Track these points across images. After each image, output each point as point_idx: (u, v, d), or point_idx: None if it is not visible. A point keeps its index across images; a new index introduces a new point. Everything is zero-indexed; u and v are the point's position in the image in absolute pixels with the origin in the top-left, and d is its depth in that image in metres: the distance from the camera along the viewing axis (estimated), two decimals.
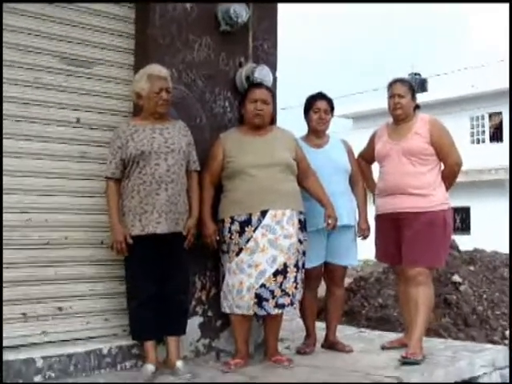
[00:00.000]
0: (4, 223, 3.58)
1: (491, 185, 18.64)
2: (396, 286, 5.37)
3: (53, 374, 3.55)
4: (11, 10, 3.64)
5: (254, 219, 3.88)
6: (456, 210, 17.49)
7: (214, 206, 4.03)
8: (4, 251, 3.57)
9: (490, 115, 19.94)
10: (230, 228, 3.93)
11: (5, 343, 3.49)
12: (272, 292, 3.86)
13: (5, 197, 3.60)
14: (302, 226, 4.04)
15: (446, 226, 4.19)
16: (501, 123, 19.75)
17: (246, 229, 3.87)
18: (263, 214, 3.88)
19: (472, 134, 20.21)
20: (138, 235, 3.63)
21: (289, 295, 3.91)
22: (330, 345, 4.50)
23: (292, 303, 3.96)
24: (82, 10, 3.90)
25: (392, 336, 4.86)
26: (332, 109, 4.50)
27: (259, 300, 3.86)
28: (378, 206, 4.41)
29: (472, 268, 7.08)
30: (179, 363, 3.70)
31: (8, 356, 3.43)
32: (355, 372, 3.84)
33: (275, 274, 3.86)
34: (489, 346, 4.86)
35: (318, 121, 4.44)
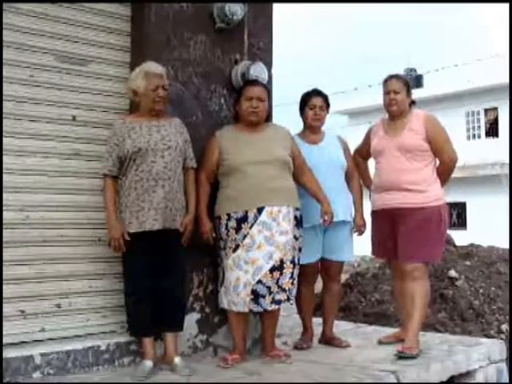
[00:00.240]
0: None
1: (487, 180, 18.67)
2: (392, 282, 5.39)
3: (51, 371, 3.57)
4: (6, 9, 3.65)
5: (251, 216, 3.90)
6: (452, 206, 17.54)
7: (210, 203, 4.06)
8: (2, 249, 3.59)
9: (486, 110, 19.96)
10: (226, 225, 3.95)
11: (4, 340, 3.51)
12: (269, 288, 3.88)
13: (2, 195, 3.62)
14: (298, 222, 4.07)
15: (442, 221, 4.22)
16: (496, 119, 19.77)
17: (243, 225, 3.89)
18: (259, 210, 3.90)
19: (468, 130, 20.22)
20: (135, 232, 3.65)
21: (285, 291, 3.93)
22: (327, 340, 4.52)
23: (288, 299, 3.99)
24: (77, 9, 3.91)
25: (389, 331, 4.88)
26: (327, 105, 4.52)
27: (256, 296, 3.88)
28: (374, 202, 4.44)
29: (468, 263, 7.10)
30: (177, 359, 3.72)
31: (7, 353, 3.45)
32: (352, 366, 3.87)
33: (272, 270, 3.88)
34: (485, 340, 4.88)
35: (314, 117, 4.46)
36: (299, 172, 4.17)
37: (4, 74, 3.65)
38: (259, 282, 3.87)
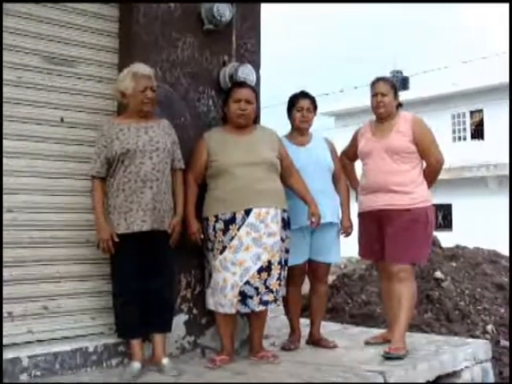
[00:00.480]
0: None
1: (472, 182, 18.80)
2: (379, 283, 5.42)
3: (38, 373, 3.56)
4: None
5: (239, 218, 3.90)
6: (438, 207, 17.62)
7: (198, 205, 4.06)
8: None
9: (471, 113, 20.11)
10: (214, 226, 3.95)
11: None
12: (256, 289, 3.89)
13: None
14: (286, 224, 4.08)
15: (429, 222, 4.25)
16: (482, 121, 19.92)
17: (231, 227, 3.90)
18: (247, 212, 3.91)
19: (453, 132, 20.36)
20: (123, 233, 3.65)
21: (272, 292, 3.94)
22: (315, 341, 4.54)
23: (276, 300, 3.99)
24: (66, 10, 3.91)
25: (376, 332, 4.90)
26: (315, 107, 4.54)
27: (243, 297, 3.89)
28: (361, 204, 4.46)
29: (454, 264, 7.15)
30: (165, 360, 3.73)
31: None
32: (340, 367, 3.88)
33: (259, 271, 3.89)
34: (471, 340, 4.91)
35: (301, 119, 4.48)
36: (287, 174, 4.18)
37: None
38: (247, 282, 3.88)
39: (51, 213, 3.83)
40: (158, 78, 3.95)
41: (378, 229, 4.31)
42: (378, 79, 4.38)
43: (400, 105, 4.39)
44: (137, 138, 3.70)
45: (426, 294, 6.42)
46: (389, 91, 4.29)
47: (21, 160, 3.74)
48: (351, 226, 4.55)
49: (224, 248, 3.90)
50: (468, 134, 20.29)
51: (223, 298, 3.91)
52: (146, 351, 3.80)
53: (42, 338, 3.76)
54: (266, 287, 3.91)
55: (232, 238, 3.88)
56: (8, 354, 3.49)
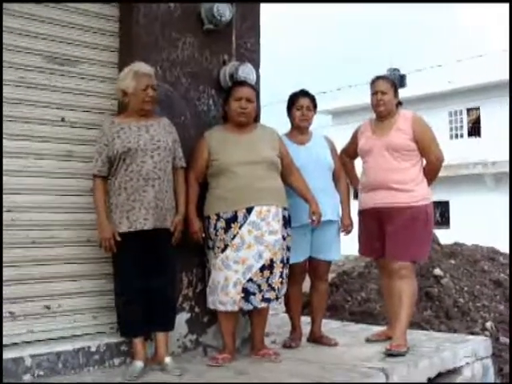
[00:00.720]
0: None
1: (469, 179, 18.84)
2: (379, 280, 5.44)
3: (41, 373, 3.56)
4: None
5: (240, 216, 3.91)
6: (435, 204, 17.61)
7: (199, 204, 4.07)
8: None
9: (468, 110, 20.15)
10: (215, 225, 3.96)
11: None
12: (259, 286, 3.91)
13: None
14: (287, 222, 4.09)
15: (429, 220, 4.27)
16: (478, 118, 19.96)
17: (232, 225, 3.91)
18: (249, 210, 3.92)
19: (450, 129, 20.39)
20: (125, 232, 3.65)
21: (274, 290, 3.96)
22: (316, 339, 4.55)
23: (277, 298, 4.02)
24: (66, 9, 3.90)
25: (376, 329, 4.92)
26: (315, 106, 4.55)
27: (246, 294, 3.90)
28: (361, 202, 4.47)
29: (453, 261, 7.18)
30: (168, 359, 3.73)
31: None
32: (341, 364, 3.90)
33: (262, 269, 3.91)
34: (471, 337, 4.94)
35: (301, 118, 4.49)
36: (287, 172, 4.19)
37: None
38: (250, 280, 3.89)
39: (52, 212, 3.83)
40: (158, 77, 3.96)
41: (378, 226, 4.33)
42: (378, 77, 4.40)
43: (400, 103, 4.41)
44: (138, 137, 3.71)
45: (425, 291, 6.44)
46: (389, 89, 4.31)
47: (22, 160, 3.74)
48: (351, 224, 4.56)
49: (226, 246, 3.91)
50: (465, 132, 20.32)
51: (225, 296, 3.92)
52: (148, 350, 3.81)
53: (44, 337, 3.77)
54: (269, 285, 3.93)
55: (234, 237, 3.89)
56: (10, 354, 3.49)
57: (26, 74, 3.76)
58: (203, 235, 4.01)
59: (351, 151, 4.65)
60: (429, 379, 4.06)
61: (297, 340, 4.49)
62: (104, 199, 3.71)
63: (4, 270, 3.63)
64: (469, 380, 4.38)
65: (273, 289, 3.95)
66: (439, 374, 4.16)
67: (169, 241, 3.78)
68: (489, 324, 6.01)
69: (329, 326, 5.05)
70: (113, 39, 4.10)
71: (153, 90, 3.75)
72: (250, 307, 3.96)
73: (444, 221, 19.49)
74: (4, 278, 3.63)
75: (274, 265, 3.93)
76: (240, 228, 3.90)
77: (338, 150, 4.69)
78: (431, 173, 4.34)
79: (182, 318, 4.11)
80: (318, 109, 4.71)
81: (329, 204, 4.40)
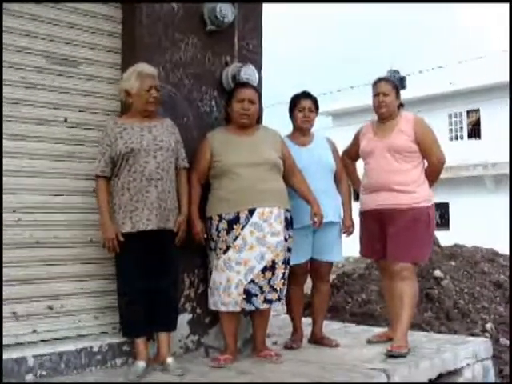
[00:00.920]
0: None
1: (469, 181, 18.87)
2: (380, 282, 5.45)
3: (44, 373, 3.57)
4: None
5: (242, 217, 3.92)
6: (435, 206, 17.67)
7: (201, 205, 4.08)
8: None
9: (468, 112, 20.18)
10: (217, 226, 3.97)
11: None
12: (261, 288, 3.92)
13: None
14: (289, 223, 4.10)
15: (430, 222, 4.28)
16: (478, 120, 19.99)
17: (234, 226, 3.92)
18: (251, 212, 3.93)
19: (450, 131, 20.43)
20: (128, 232, 3.66)
21: (276, 291, 3.98)
22: (317, 340, 4.56)
23: (279, 299, 4.03)
24: (69, 10, 3.92)
25: (377, 330, 4.93)
26: (317, 107, 4.57)
27: (248, 295, 3.91)
28: (363, 203, 4.49)
29: (453, 263, 7.19)
30: (170, 359, 3.74)
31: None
32: (343, 365, 3.91)
33: (263, 270, 3.92)
34: (471, 338, 4.95)
35: (303, 119, 4.50)
36: (289, 174, 4.21)
37: None
38: (251, 281, 3.90)
39: (56, 213, 3.84)
40: (161, 78, 3.97)
41: (380, 228, 4.34)
42: (380, 79, 4.42)
43: (401, 105, 4.42)
44: (141, 137, 3.72)
45: (425, 293, 6.45)
46: (390, 91, 4.32)
47: (25, 160, 3.75)
48: (353, 225, 4.58)
49: (228, 247, 3.92)
50: (465, 133, 20.36)
51: (227, 297, 3.92)
52: (150, 350, 3.82)
53: (47, 337, 3.77)
54: (270, 286, 3.94)
55: (236, 238, 3.90)
56: (13, 354, 3.50)
57: (28, 74, 3.77)
58: (205, 236, 4.02)
59: (353, 153, 4.66)
60: (430, 380, 4.07)
61: (298, 341, 4.50)
62: (107, 199, 3.72)
63: (8, 270, 3.65)
64: (469, 381, 4.39)
65: (275, 290, 3.96)
66: (440, 375, 4.16)
67: (172, 241, 3.79)
68: (489, 325, 6.02)
69: (330, 328, 5.06)
70: (115, 40, 4.11)
71: (156, 90, 3.77)
72: (252, 308, 3.97)
73: (444, 222, 19.50)
74: (7, 278, 3.64)
75: (276, 266, 3.95)
76: (242, 229, 3.91)
77: (341, 152, 4.71)
78: (433, 174, 4.35)
79: (183, 319, 4.12)
80: (321, 110, 4.72)
81: (330, 205, 4.41)
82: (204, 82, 4.31)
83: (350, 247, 5.42)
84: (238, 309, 3.95)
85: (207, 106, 4.33)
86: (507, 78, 15.80)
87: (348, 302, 6.78)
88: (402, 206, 4.20)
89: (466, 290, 6.66)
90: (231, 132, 4.12)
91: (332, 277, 7.14)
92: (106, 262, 3.92)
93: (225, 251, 3.94)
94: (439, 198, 17.95)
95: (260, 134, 4.16)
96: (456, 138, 20.39)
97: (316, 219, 4.17)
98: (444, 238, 9.06)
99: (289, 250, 4.11)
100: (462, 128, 20.39)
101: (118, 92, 3.91)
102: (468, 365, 4.41)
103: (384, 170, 4.26)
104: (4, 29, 3.67)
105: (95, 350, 3.78)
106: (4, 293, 3.62)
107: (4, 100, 3.67)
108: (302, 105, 4.49)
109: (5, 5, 3.66)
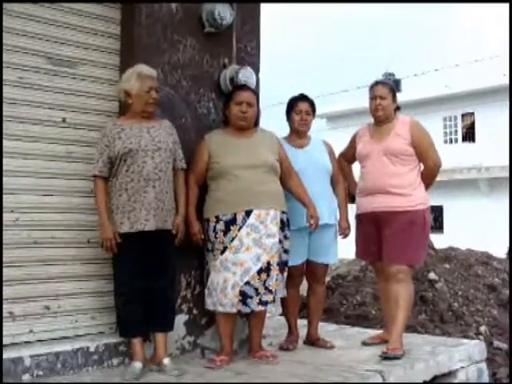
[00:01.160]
0: None
1: (463, 184, 18.91)
2: (375, 284, 5.47)
3: (41, 373, 3.58)
4: None
5: (239, 219, 3.94)
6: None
7: (198, 206, 4.09)
8: None
9: (463, 116, 20.24)
10: (214, 227, 3.99)
11: None
12: (256, 289, 3.93)
13: None
14: (285, 225, 4.12)
15: (426, 224, 4.31)
16: (473, 123, 20.05)
17: (231, 228, 3.94)
18: (248, 213, 3.95)
19: (445, 134, 20.48)
20: (126, 233, 3.67)
21: (272, 292, 3.99)
22: (312, 341, 4.58)
23: (274, 300, 4.04)
24: (67, 11, 3.93)
25: (372, 332, 4.95)
26: (314, 110, 4.59)
27: (243, 297, 3.93)
28: (359, 206, 4.51)
29: (447, 266, 7.22)
30: (166, 360, 3.75)
31: None
32: (338, 366, 3.93)
33: (259, 272, 3.94)
34: (465, 341, 4.97)
35: (300, 122, 4.52)
36: (286, 176, 4.23)
37: None
38: (247, 283, 3.92)
39: (53, 213, 3.85)
40: (159, 80, 3.98)
41: (376, 230, 4.36)
42: (377, 82, 4.44)
43: (398, 108, 4.45)
44: (139, 138, 3.73)
45: (420, 295, 6.48)
46: (387, 94, 4.34)
47: (23, 160, 3.75)
48: (349, 228, 4.60)
49: (225, 248, 3.94)
50: (459, 137, 20.41)
51: (224, 298, 3.94)
52: (146, 351, 3.83)
53: (44, 337, 3.78)
54: (265, 288, 3.95)
55: (233, 239, 3.92)
56: (10, 354, 3.51)
57: (27, 74, 3.77)
58: (202, 237, 4.03)
59: (349, 155, 4.68)
60: (424, 382, 4.10)
61: (294, 342, 4.51)
62: (105, 200, 3.73)
63: (5, 269, 3.65)
64: (463, 383, 4.42)
65: (270, 291, 3.98)
66: (435, 377, 4.19)
67: (169, 241, 3.80)
68: (483, 328, 6.06)
69: (325, 329, 5.08)
70: (114, 41, 4.12)
71: (156, 92, 3.79)
72: (248, 310, 3.99)
73: (438, 225, 19.55)
74: (4, 278, 3.64)
75: (271, 267, 3.96)
76: (239, 230, 3.92)
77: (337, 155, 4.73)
78: (429, 177, 4.38)
79: (180, 320, 4.13)
80: (316, 112, 4.73)
81: (326, 208, 4.43)
82: (202, 84, 4.33)
83: (344, 249, 5.44)
84: (234, 310, 3.97)
85: (205, 107, 4.35)
86: (502, 82, 15.90)
87: (343, 303, 6.79)
88: (398, 208, 4.22)
89: (460, 293, 6.69)
90: (229, 134, 4.14)
91: (327, 279, 7.18)
92: (104, 262, 3.92)
93: (222, 252, 3.95)
94: (433, 201, 17.95)
95: (258, 136, 4.18)
96: (450, 142, 20.45)
97: (312, 221, 4.20)
98: (438, 240, 9.09)
99: (286, 251, 4.13)
100: (456, 131, 20.45)
101: (117, 93, 3.92)
102: (462, 367, 4.44)
103: (380, 172, 4.28)
104: (5, 29, 3.67)
105: (92, 350, 3.78)
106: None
107: (3, 100, 3.68)
108: (300, 107, 4.51)
109: (5, 5, 3.67)
